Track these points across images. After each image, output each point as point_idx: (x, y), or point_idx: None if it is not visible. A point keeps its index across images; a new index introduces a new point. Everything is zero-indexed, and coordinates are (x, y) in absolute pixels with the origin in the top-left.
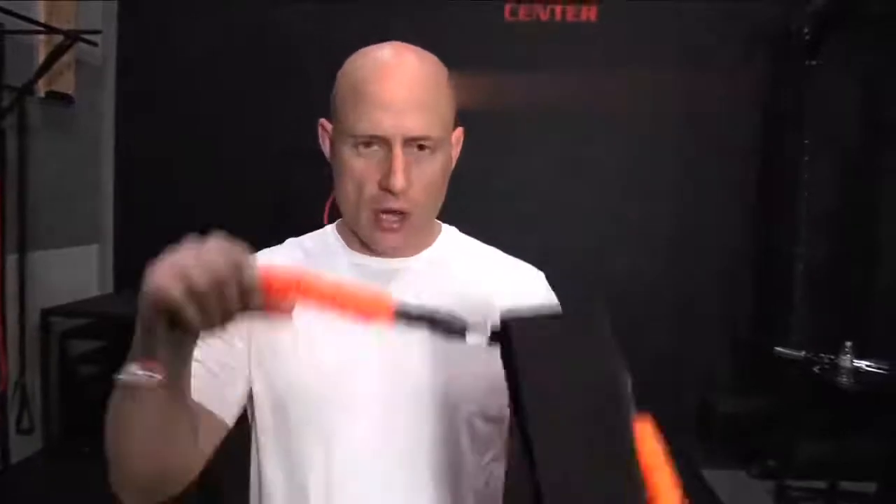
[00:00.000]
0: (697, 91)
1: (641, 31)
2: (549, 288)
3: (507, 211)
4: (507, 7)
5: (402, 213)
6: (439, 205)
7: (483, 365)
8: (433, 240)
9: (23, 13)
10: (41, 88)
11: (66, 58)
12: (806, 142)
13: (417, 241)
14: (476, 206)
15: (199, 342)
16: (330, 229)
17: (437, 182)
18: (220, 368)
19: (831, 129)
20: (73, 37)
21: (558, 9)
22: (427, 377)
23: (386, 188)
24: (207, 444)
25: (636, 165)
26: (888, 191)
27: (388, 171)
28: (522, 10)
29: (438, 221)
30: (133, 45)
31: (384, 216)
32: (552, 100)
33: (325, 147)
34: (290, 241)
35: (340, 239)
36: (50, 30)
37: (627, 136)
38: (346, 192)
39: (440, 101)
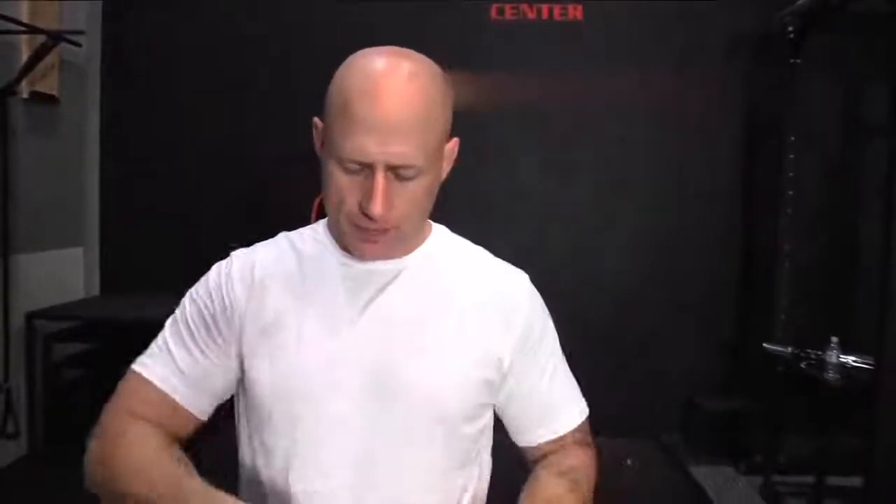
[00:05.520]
0: (682, 89)
1: (626, 30)
2: (533, 292)
3: (491, 210)
4: (494, 6)
5: (383, 229)
6: (426, 215)
7: (464, 365)
8: (423, 240)
9: (5, 13)
10: (25, 89)
11: (50, 58)
12: (791, 139)
13: (405, 247)
14: (460, 206)
15: (180, 344)
16: (321, 227)
17: (420, 201)
18: (199, 370)
19: (815, 128)
20: (56, 37)
21: (545, 8)
22: (408, 377)
23: (364, 211)
24: (182, 434)
25: (621, 164)
26: (872, 187)
27: (367, 194)
28: (508, 9)
29: (430, 221)
30: (118, 45)
31: (365, 229)
32: (537, 99)
33: (318, 145)
34: (283, 238)
35: (331, 238)
36: (33, 30)
37: (612, 134)
38: (329, 199)
39: (432, 122)
